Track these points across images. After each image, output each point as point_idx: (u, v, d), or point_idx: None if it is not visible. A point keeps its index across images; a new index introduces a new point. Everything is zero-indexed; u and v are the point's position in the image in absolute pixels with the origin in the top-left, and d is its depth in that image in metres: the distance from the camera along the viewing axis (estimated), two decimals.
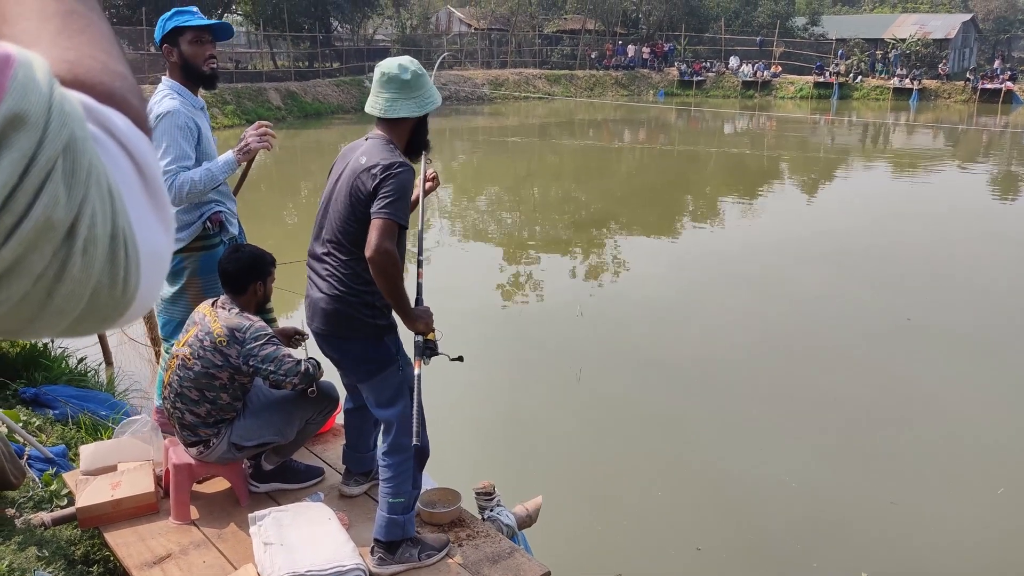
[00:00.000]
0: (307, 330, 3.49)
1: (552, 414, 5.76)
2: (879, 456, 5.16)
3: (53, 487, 3.30)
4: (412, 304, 2.69)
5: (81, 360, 5.55)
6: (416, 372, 2.66)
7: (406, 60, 2.73)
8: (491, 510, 3.09)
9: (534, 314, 8.16)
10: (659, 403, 5.92)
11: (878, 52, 37.63)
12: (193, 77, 3.35)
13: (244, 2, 32.61)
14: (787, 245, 10.65)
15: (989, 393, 6.06)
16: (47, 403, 4.62)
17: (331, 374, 3.24)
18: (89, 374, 5.46)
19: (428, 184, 3.01)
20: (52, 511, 3.10)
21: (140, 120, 0.52)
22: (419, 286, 2.84)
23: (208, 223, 3.33)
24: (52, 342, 5.69)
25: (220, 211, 3.38)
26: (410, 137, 2.78)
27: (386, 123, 2.73)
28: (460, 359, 2.78)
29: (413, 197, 2.80)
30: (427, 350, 2.68)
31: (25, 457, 3.54)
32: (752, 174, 17.55)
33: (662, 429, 5.55)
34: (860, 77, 35.85)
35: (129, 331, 6.54)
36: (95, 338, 5.85)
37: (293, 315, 7.07)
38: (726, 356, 6.74)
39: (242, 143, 3.27)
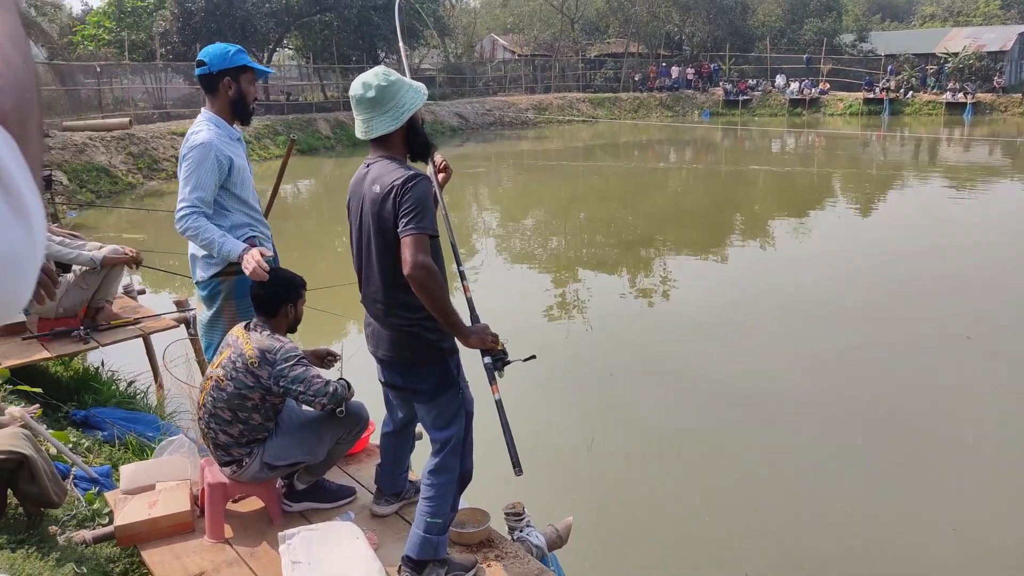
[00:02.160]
0: (340, 350, 3.56)
1: (590, 435, 5.71)
2: (940, 479, 4.95)
3: (96, 506, 3.39)
4: (467, 322, 2.63)
5: (130, 383, 5.72)
6: (496, 398, 2.61)
7: (370, 76, 2.63)
8: (520, 530, 3.07)
9: (575, 335, 8.13)
10: (706, 425, 5.80)
11: (929, 67, 36.86)
12: (240, 112, 3.52)
13: (295, 37, 33.58)
14: (839, 263, 10.42)
15: None
16: (96, 425, 4.77)
17: (362, 395, 3.28)
18: (138, 396, 5.62)
19: (440, 176, 2.91)
20: (94, 529, 3.18)
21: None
22: (470, 301, 2.76)
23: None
24: (103, 366, 5.88)
25: (254, 236, 3.47)
26: (406, 146, 2.72)
27: (376, 142, 2.69)
28: (533, 357, 2.73)
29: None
30: (498, 363, 2.63)
31: (71, 477, 3.65)
32: (802, 192, 17.27)
33: (707, 451, 5.43)
34: (911, 92, 35.13)
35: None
36: (146, 362, 6.01)
37: (333, 337, 7.17)
38: (774, 376, 6.61)
39: (246, 254, 3.25)
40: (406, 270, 2.48)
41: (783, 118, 35.56)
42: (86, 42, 26.86)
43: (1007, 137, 26.42)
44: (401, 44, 3.09)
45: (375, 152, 2.70)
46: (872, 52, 39.49)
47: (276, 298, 3.04)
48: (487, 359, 2.64)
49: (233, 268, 3.44)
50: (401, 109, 2.63)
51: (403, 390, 2.88)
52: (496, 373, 2.64)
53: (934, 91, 35.25)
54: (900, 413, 5.85)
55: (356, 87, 2.62)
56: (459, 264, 2.80)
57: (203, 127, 3.39)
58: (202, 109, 3.52)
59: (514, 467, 2.57)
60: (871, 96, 34.97)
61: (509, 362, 2.67)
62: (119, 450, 4.46)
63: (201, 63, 3.42)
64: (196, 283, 3.55)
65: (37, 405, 4.24)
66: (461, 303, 2.74)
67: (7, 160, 0.50)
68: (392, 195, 2.54)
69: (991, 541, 4.35)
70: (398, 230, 2.53)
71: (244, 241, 3.40)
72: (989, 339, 7.34)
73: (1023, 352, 7.04)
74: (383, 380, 2.93)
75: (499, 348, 2.64)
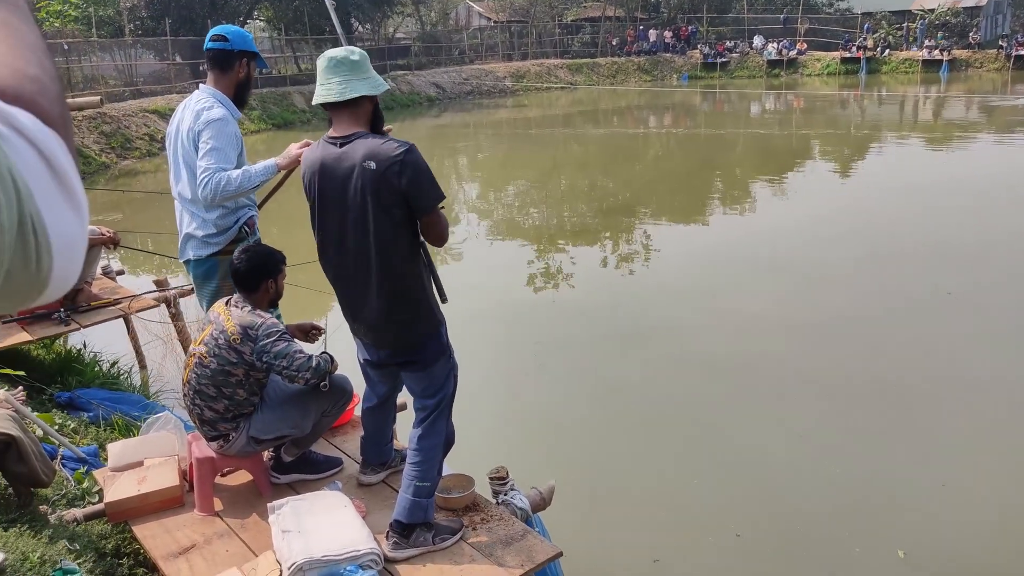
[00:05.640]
0: (324, 324, 3.59)
1: (580, 403, 5.78)
2: (928, 436, 4.99)
3: (85, 485, 3.42)
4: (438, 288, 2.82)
5: (114, 364, 5.72)
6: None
7: (350, 46, 2.71)
8: (505, 494, 3.14)
9: (560, 303, 8.19)
10: (694, 390, 5.85)
11: (909, 24, 36.83)
12: (242, 95, 3.53)
13: (266, 8, 32.98)
14: (821, 224, 10.45)
15: None
16: (81, 406, 4.78)
17: (345, 368, 3.31)
18: (122, 376, 5.63)
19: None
20: (84, 507, 3.22)
21: (48, 118, 0.57)
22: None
23: (245, 227, 3.44)
24: (85, 347, 5.87)
25: (254, 215, 3.49)
26: (372, 123, 2.73)
27: (347, 112, 2.66)
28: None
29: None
30: None
31: (59, 458, 3.67)
32: (781, 154, 17.32)
33: (697, 417, 5.46)
34: (888, 51, 35.14)
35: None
36: (128, 343, 6.00)
37: (317, 313, 7.18)
38: (761, 340, 6.65)
39: (288, 153, 3.31)
40: (444, 241, 2.74)
41: (761, 79, 35.52)
42: (51, 19, 26.25)
43: (982, 94, 26.55)
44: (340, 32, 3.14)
45: (344, 126, 2.67)
46: (849, 11, 39.39)
47: (255, 273, 3.05)
48: None
49: (233, 247, 3.44)
50: (378, 81, 2.71)
51: (390, 366, 2.93)
52: None
53: (911, 49, 35.23)
54: (892, 376, 5.88)
55: (337, 51, 2.65)
56: None
57: (213, 103, 3.36)
58: (201, 85, 3.48)
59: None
60: (848, 55, 34.96)
61: None
62: (105, 430, 4.49)
63: (221, 38, 3.40)
64: (187, 262, 3.54)
65: (21, 388, 4.24)
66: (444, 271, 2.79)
67: (63, 160, 0.56)
68: (396, 169, 2.56)
69: (978, 495, 4.40)
70: (419, 203, 2.62)
71: (244, 222, 3.41)
72: (971, 295, 7.44)
73: (1005, 306, 7.15)
74: (367, 359, 2.97)
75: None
